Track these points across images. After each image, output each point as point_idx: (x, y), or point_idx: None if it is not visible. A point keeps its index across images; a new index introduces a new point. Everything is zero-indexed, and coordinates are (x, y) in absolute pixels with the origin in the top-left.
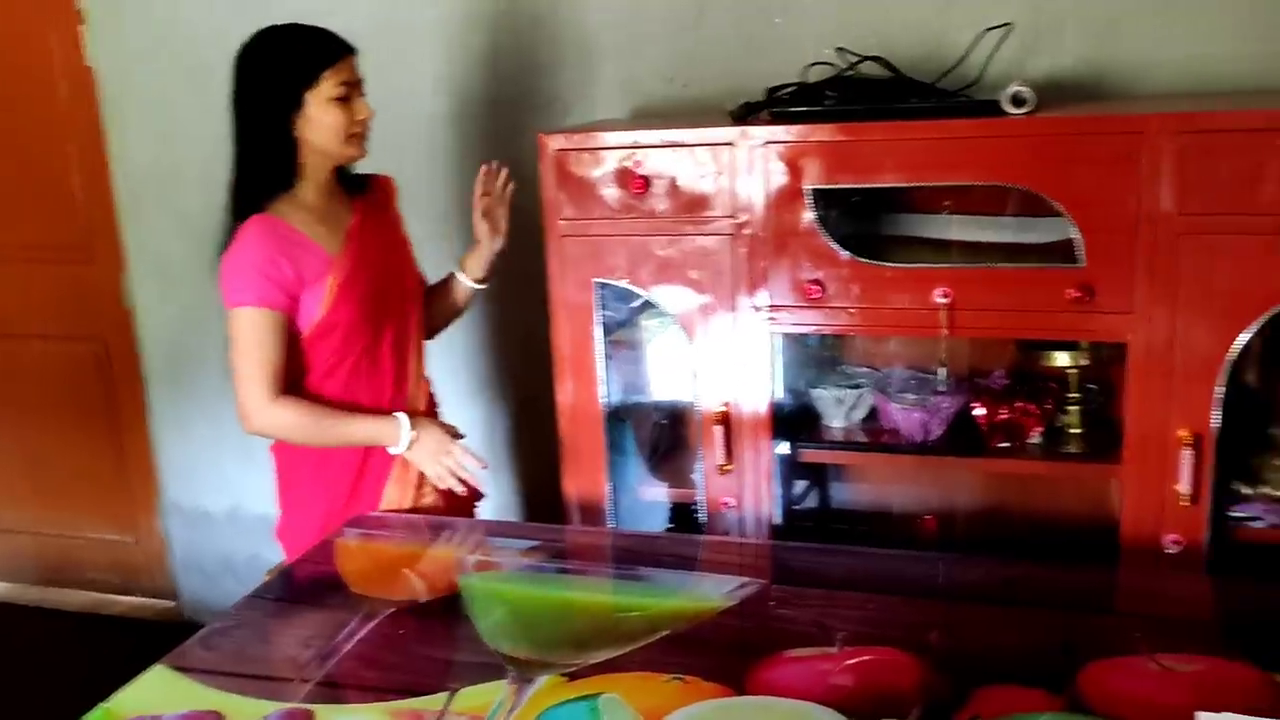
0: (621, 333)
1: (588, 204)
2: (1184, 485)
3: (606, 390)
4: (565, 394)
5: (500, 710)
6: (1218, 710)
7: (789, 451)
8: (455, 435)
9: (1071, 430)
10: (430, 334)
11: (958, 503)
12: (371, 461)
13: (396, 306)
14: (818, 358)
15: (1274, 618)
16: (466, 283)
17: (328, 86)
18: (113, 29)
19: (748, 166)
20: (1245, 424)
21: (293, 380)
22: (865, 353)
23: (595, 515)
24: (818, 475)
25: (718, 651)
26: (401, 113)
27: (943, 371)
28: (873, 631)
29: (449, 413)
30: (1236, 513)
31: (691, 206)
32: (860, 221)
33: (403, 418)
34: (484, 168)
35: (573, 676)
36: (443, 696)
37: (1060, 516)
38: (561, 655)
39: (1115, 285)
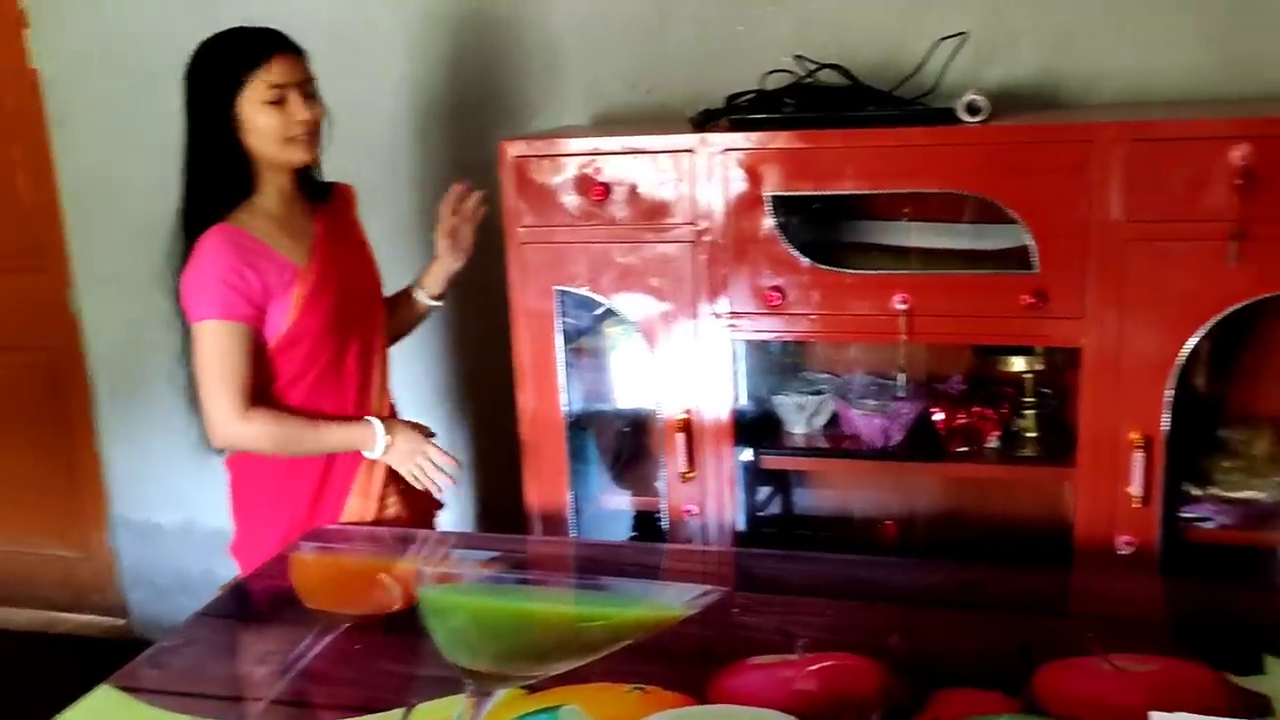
0: (583, 341)
1: (548, 211)
2: (1136, 487)
3: (568, 398)
4: (526, 402)
5: None
6: (1171, 710)
7: (751, 458)
8: (427, 434)
9: (1027, 434)
10: (393, 342)
11: (918, 507)
12: (333, 475)
13: (361, 317)
14: (779, 364)
15: (1225, 617)
16: (423, 299)
17: (256, 90)
18: (58, 32)
19: (708, 173)
20: (1194, 426)
21: (258, 389)
22: (826, 359)
23: (557, 525)
24: (780, 482)
25: (679, 660)
26: (360, 117)
27: (902, 377)
28: (834, 637)
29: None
30: (1187, 514)
31: (652, 213)
32: (820, 228)
33: (375, 421)
34: (456, 187)
35: (532, 689)
36: (399, 713)
37: (1017, 519)
38: (521, 667)
39: (1068, 291)
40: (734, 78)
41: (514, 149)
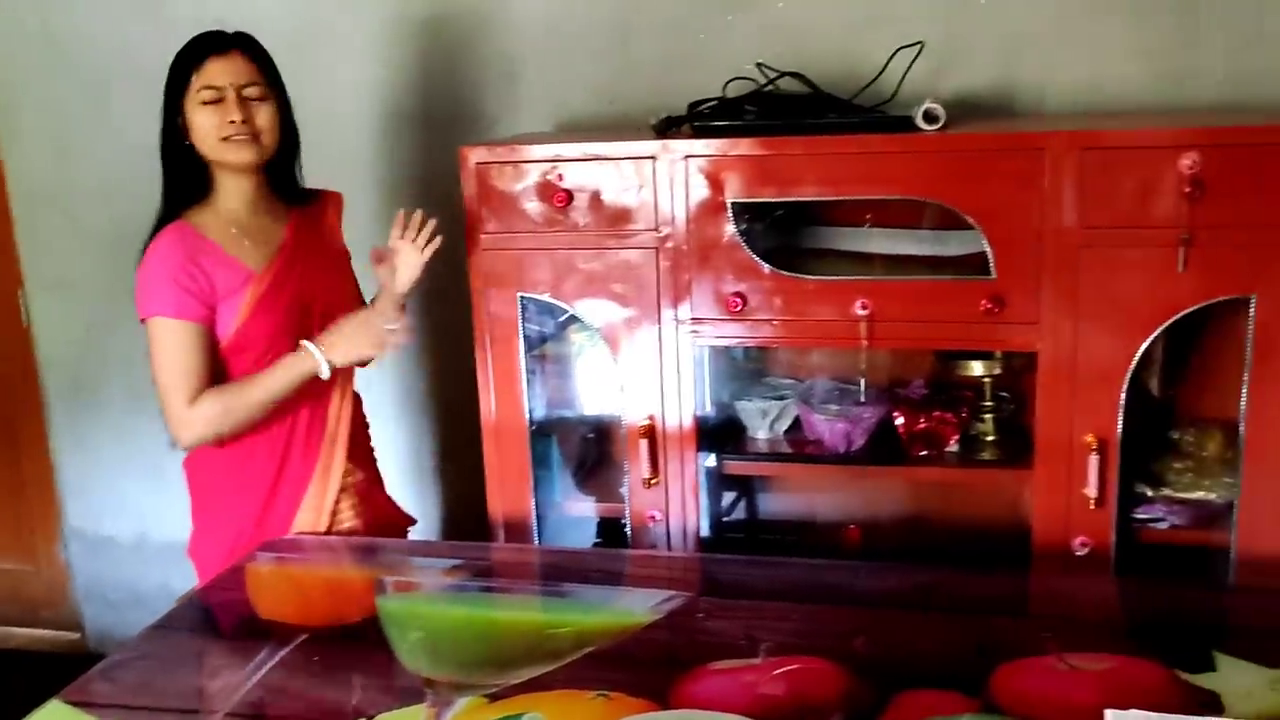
0: (546, 347)
1: (510, 217)
2: (1091, 489)
3: (531, 405)
4: (489, 410)
5: None
6: (1125, 708)
7: (714, 464)
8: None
9: (986, 438)
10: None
11: (880, 511)
12: (283, 485)
13: (323, 323)
14: (742, 370)
15: (1177, 616)
16: None
17: (195, 90)
18: (6, 36)
19: (670, 180)
20: (1147, 429)
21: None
22: (789, 364)
23: (521, 532)
24: (743, 487)
25: (643, 666)
26: (320, 123)
27: (863, 382)
28: (797, 641)
29: (371, 428)
30: (1140, 515)
31: (614, 220)
32: (782, 235)
33: (305, 343)
34: (400, 214)
35: (494, 697)
36: None
37: (977, 522)
38: (484, 676)
39: (1023, 297)
40: (696, 85)
41: (475, 155)
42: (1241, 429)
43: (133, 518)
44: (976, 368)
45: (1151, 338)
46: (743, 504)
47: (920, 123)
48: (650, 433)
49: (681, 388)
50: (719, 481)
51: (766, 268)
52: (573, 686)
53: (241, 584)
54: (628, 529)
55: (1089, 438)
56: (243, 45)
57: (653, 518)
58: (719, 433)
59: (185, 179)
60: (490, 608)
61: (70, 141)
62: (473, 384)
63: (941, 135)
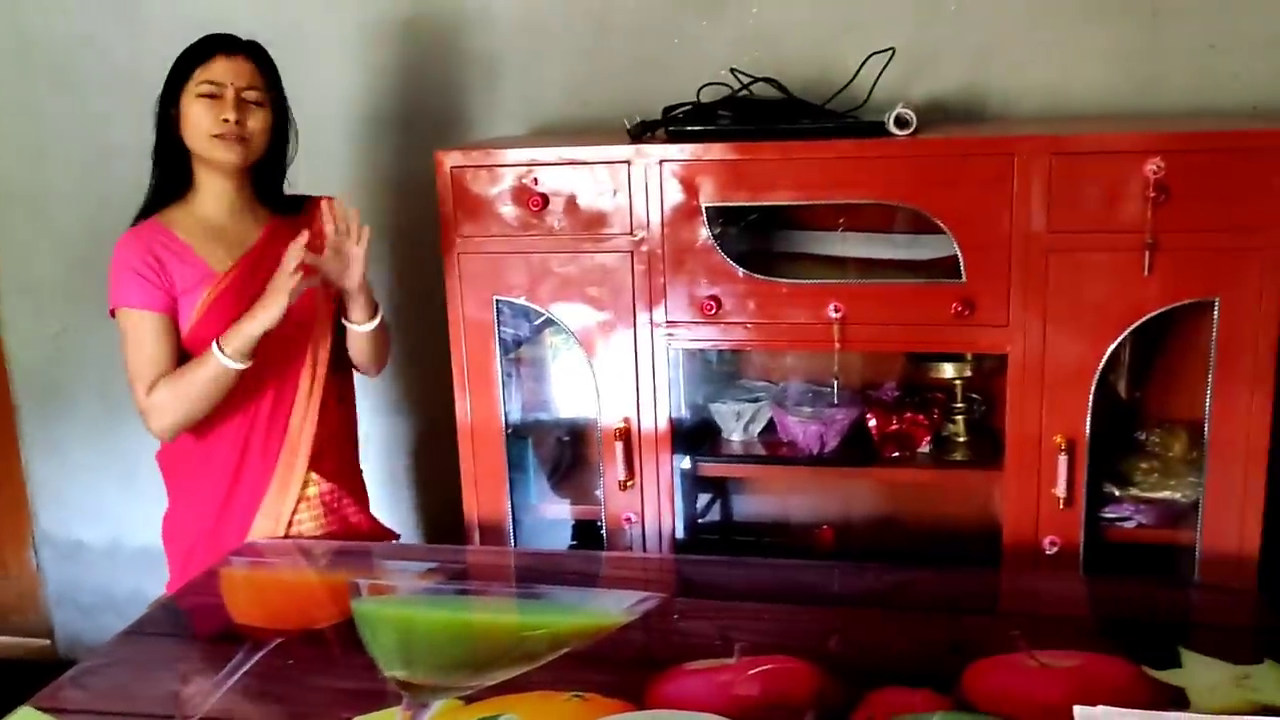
0: (522, 350)
1: (486, 221)
2: (1060, 489)
3: (506, 408)
4: (465, 412)
5: None
6: (1093, 704)
7: (689, 466)
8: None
9: (958, 439)
10: (364, 372)
11: (853, 511)
12: (240, 491)
13: (294, 328)
14: (716, 372)
15: (1143, 614)
16: (350, 326)
17: (195, 83)
18: None
19: (644, 184)
20: (1114, 430)
21: None
22: (762, 367)
23: (496, 534)
24: (718, 489)
25: (618, 667)
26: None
27: (836, 384)
28: (771, 641)
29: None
30: (1108, 514)
31: (590, 224)
32: (755, 239)
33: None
34: (325, 201)
35: (470, 699)
36: None
37: (949, 522)
38: (459, 678)
39: (993, 300)
40: (670, 90)
41: (450, 159)
42: (1206, 430)
43: (105, 522)
44: (948, 370)
45: (1119, 340)
46: (717, 505)
47: (892, 128)
48: (626, 435)
49: (657, 390)
50: (694, 483)
51: (740, 271)
52: (549, 688)
53: (215, 588)
54: (603, 531)
55: (1058, 438)
56: (251, 51)
57: (628, 519)
58: (693, 435)
59: (170, 175)
60: (466, 610)
61: (42, 143)
62: (448, 386)
63: (912, 140)
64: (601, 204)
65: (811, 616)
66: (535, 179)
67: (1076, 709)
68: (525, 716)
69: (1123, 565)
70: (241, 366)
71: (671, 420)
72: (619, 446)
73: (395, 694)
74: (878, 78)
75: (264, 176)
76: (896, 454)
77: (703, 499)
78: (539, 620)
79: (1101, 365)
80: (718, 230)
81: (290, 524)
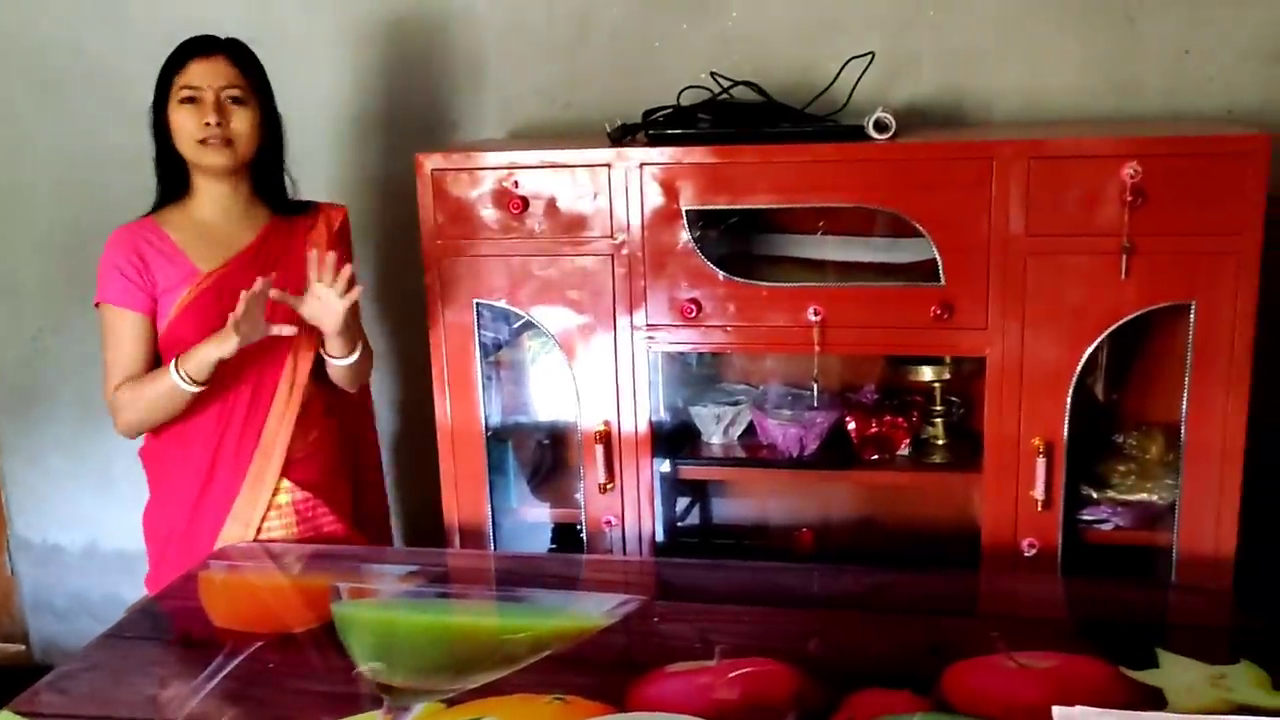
0: (502, 353)
1: (466, 224)
2: (1039, 491)
3: (486, 411)
4: (444, 415)
5: None
6: (1071, 704)
7: (669, 469)
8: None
9: (937, 441)
10: (341, 387)
11: (833, 514)
12: (210, 494)
13: (273, 336)
14: (696, 375)
15: (1121, 615)
16: (325, 356)
17: (175, 90)
18: None
19: (625, 187)
20: (1092, 432)
21: None
22: (742, 370)
23: (476, 538)
24: (698, 492)
25: (599, 670)
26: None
27: (816, 387)
28: (751, 643)
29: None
30: (1086, 516)
31: (570, 227)
32: (735, 242)
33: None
34: (313, 253)
35: (452, 702)
36: None
37: (928, 524)
38: (440, 681)
39: (972, 303)
40: (650, 93)
41: (431, 162)
42: (1182, 432)
43: (81, 527)
44: (927, 373)
45: (1096, 343)
46: (697, 508)
47: (871, 132)
48: (606, 438)
49: (637, 393)
50: (673, 486)
51: (721, 274)
52: (529, 691)
53: (194, 592)
54: (583, 534)
55: (1036, 441)
56: (229, 50)
57: (608, 522)
58: (673, 438)
59: (170, 181)
60: (446, 613)
61: (21, 143)
62: (428, 389)
63: (892, 144)
64: (582, 207)
65: (791, 619)
66: (516, 182)
67: (1055, 710)
68: (506, 719)
69: (1100, 567)
70: (194, 389)
71: (651, 423)
72: (599, 449)
73: (377, 697)
74: (857, 81)
75: (262, 174)
76: (876, 457)
77: (682, 502)
78: (520, 623)
79: (1079, 368)
80: (698, 233)
81: (260, 530)
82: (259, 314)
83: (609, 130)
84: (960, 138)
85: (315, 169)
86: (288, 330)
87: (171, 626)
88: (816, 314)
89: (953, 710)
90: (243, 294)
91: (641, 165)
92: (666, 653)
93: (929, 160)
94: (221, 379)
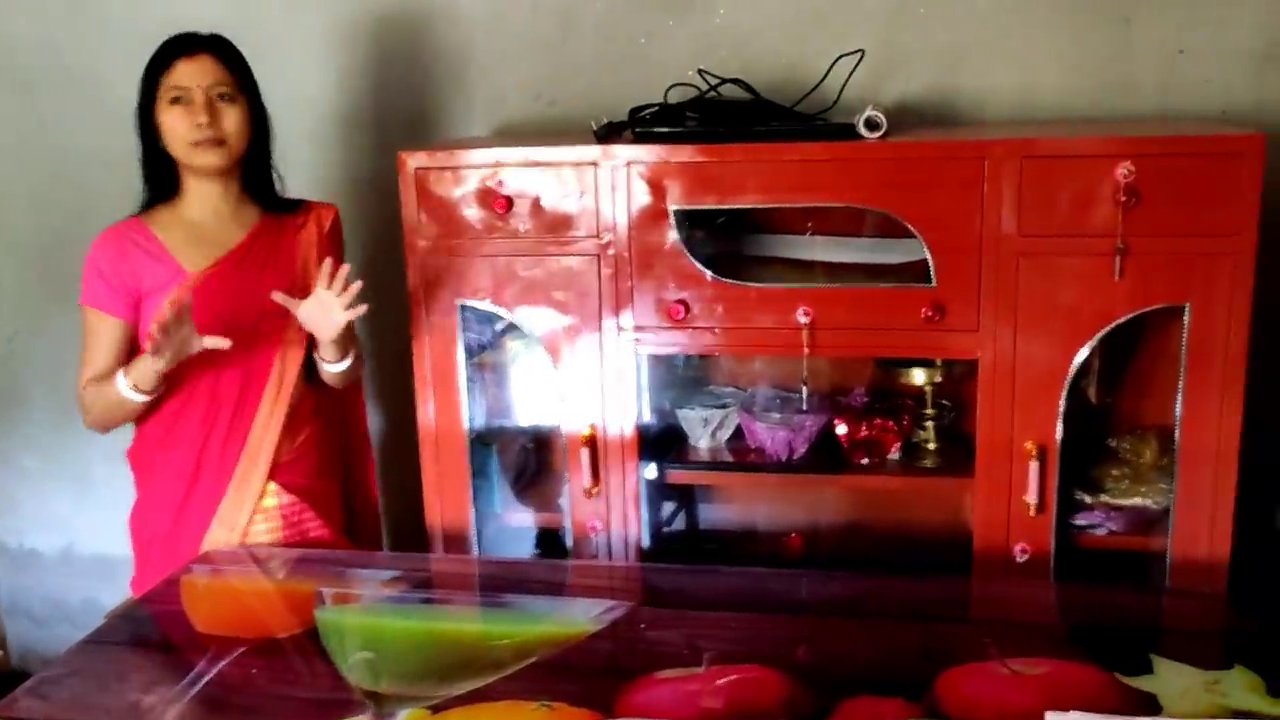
0: (486, 355)
1: (450, 224)
2: (1031, 496)
3: (470, 414)
4: (427, 419)
5: None
6: (1065, 710)
7: (656, 473)
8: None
9: (928, 445)
10: (336, 386)
11: (822, 519)
12: (195, 498)
13: (260, 337)
14: (683, 378)
15: (1115, 620)
16: (323, 367)
17: (163, 91)
18: None
19: (611, 186)
20: (1085, 436)
21: None
22: (730, 372)
23: (460, 543)
24: (685, 496)
25: (586, 676)
26: None
27: (805, 390)
28: (740, 650)
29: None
30: (1079, 521)
31: (555, 226)
32: (724, 242)
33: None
34: (327, 262)
35: (436, 709)
36: None
37: (919, 529)
38: (425, 687)
39: (964, 304)
40: (637, 90)
41: (414, 160)
42: (1176, 436)
43: (58, 531)
44: (918, 375)
45: (1089, 345)
46: (684, 513)
47: (862, 130)
48: (591, 442)
49: (623, 396)
50: (660, 491)
51: (709, 275)
52: (516, 697)
53: (176, 597)
54: (568, 539)
55: (1029, 445)
56: (213, 47)
57: (594, 527)
58: (660, 442)
59: (158, 183)
60: (431, 619)
61: None
62: (410, 392)
63: (882, 143)
64: (567, 206)
65: (780, 625)
66: (500, 181)
67: (1048, 716)
68: None
69: (1094, 572)
70: (142, 398)
71: (638, 427)
72: (584, 453)
73: (362, 704)
74: (847, 79)
75: (251, 171)
76: (866, 461)
77: (669, 506)
78: (506, 629)
79: (1072, 371)
80: (685, 233)
81: (245, 534)
82: (188, 329)
83: (595, 128)
84: (952, 137)
85: (298, 168)
86: (223, 343)
87: (154, 631)
88: (806, 315)
89: (946, 717)
90: (166, 302)
91: (628, 164)
92: (654, 659)
93: (920, 160)
94: (208, 380)
